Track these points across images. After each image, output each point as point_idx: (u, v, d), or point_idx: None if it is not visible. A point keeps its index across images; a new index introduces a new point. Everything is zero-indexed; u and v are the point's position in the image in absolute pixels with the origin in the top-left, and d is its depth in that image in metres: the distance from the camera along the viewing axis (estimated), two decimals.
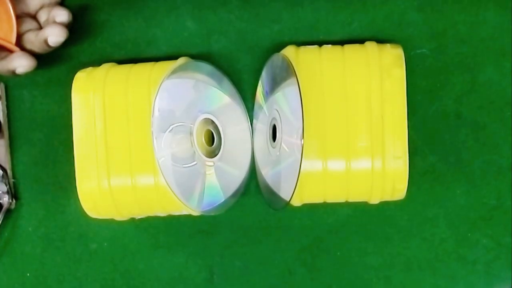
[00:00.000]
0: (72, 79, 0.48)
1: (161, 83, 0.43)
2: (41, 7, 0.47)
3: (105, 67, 0.48)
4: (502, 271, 0.50)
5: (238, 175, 0.49)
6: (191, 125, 0.46)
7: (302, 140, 0.41)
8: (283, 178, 0.45)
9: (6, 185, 0.52)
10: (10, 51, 0.45)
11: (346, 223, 0.51)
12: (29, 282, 0.53)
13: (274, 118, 0.46)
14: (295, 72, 0.42)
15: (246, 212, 0.51)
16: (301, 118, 0.41)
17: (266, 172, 0.48)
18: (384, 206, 0.49)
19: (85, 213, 0.48)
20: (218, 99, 0.48)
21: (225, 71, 0.49)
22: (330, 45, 0.47)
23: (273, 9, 0.50)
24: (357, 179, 0.45)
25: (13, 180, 0.52)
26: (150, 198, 0.46)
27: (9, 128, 0.52)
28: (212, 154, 0.47)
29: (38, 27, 0.47)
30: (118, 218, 0.49)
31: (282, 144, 0.45)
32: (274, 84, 0.46)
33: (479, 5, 0.49)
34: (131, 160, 0.46)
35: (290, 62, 0.43)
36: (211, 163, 0.47)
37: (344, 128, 0.44)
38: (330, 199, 0.47)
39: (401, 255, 0.50)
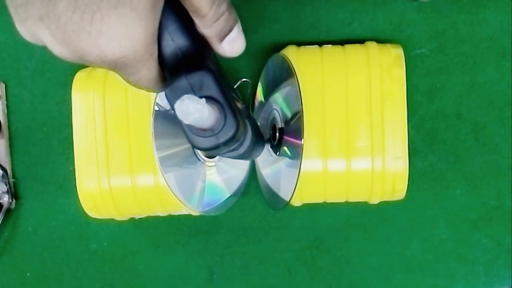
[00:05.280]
0: (72, 79, 0.48)
1: None
2: None
3: None
4: (502, 271, 0.50)
5: (238, 175, 0.49)
6: None
7: (302, 140, 0.41)
8: (283, 178, 0.45)
9: (6, 185, 0.52)
10: None
11: (346, 223, 0.51)
12: (29, 282, 0.53)
13: (274, 118, 0.46)
14: (295, 72, 0.42)
15: (246, 212, 0.51)
16: (301, 118, 0.41)
17: (266, 172, 0.48)
18: (384, 206, 0.49)
19: (85, 213, 0.48)
20: None
21: (225, 71, 0.49)
22: (330, 45, 0.47)
23: (273, 9, 0.50)
24: (357, 179, 0.45)
25: (13, 180, 0.52)
26: (150, 198, 0.46)
27: (9, 128, 0.52)
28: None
29: None
30: (118, 218, 0.49)
31: (282, 144, 0.45)
32: (274, 84, 0.46)
33: (479, 5, 0.49)
34: (131, 160, 0.46)
35: (290, 62, 0.43)
36: (211, 163, 0.47)
37: (344, 128, 0.44)
38: (330, 199, 0.47)
39: (401, 255, 0.50)
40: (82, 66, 0.50)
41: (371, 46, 0.46)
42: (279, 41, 0.50)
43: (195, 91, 0.26)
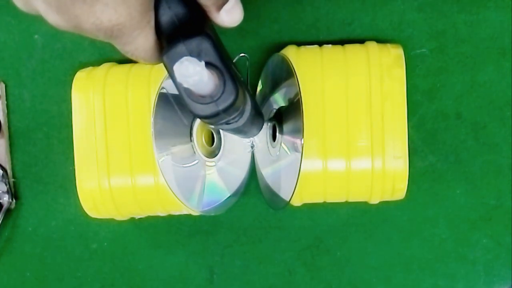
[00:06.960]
0: (72, 79, 0.48)
1: (161, 83, 0.43)
2: None
3: (105, 67, 0.48)
4: (502, 271, 0.50)
5: (238, 175, 0.49)
6: (191, 125, 0.46)
7: (302, 140, 0.41)
8: (283, 178, 0.45)
9: (6, 185, 0.52)
10: None
11: (346, 223, 0.51)
12: (29, 282, 0.53)
13: (274, 118, 0.46)
14: (295, 72, 0.42)
15: (246, 212, 0.51)
16: (301, 118, 0.41)
17: (266, 172, 0.48)
18: (384, 206, 0.49)
19: (85, 213, 0.48)
20: None
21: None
22: (330, 45, 0.47)
23: (273, 9, 0.50)
24: (357, 179, 0.45)
25: (13, 179, 0.52)
26: (150, 198, 0.46)
27: (9, 128, 0.52)
28: (212, 154, 0.47)
29: None
30: (118, 218, 0.49)
31: (282, 144, 0.45)
32: (274, 84, 0.46)
33: (479, 5, 0.49)
34: (131, 160, 0.46)
35: (290, 62, 0.43)
36: (211, 163, 0.47)
37: (344, 128, 0.44)
38: (330, 199, 0.47)
39: (401, 255, 0.50)
40: (82, 66, 0.50)
41: (371, 46, 0.46)
42: (279, 41, 0.50)
43: (193, 57, 0.26)
